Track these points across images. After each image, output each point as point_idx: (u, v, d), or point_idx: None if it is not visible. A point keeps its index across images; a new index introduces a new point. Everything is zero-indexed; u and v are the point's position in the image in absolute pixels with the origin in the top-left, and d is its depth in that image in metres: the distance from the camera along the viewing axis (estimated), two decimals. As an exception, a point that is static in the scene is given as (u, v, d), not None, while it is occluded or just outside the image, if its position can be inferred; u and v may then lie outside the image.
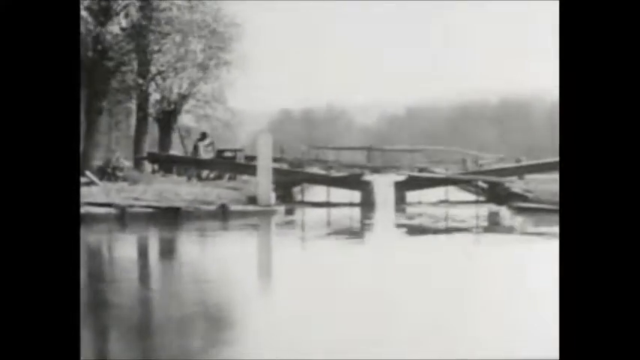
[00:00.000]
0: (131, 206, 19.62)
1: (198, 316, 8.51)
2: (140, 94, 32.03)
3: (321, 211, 22.93)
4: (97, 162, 27.31)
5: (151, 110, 33.05)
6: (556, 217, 16.27)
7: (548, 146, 34.75)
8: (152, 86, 32.45)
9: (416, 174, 28.83)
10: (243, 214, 20.38)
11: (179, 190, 21.82)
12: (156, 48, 30.42)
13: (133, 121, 34.47)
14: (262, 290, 10.68)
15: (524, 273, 11.85)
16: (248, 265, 12.99)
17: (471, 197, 28.38)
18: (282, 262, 13.55)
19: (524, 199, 23.38)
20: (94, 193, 20.49)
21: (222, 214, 20.08)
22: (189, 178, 27.61)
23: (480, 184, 28.18)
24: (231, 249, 15.12)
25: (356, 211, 22.95)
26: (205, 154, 29.71)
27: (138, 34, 29.54)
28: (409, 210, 23.44)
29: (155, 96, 33.01)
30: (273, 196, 22.17)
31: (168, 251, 15.55)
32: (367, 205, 24.17)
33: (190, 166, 28.80)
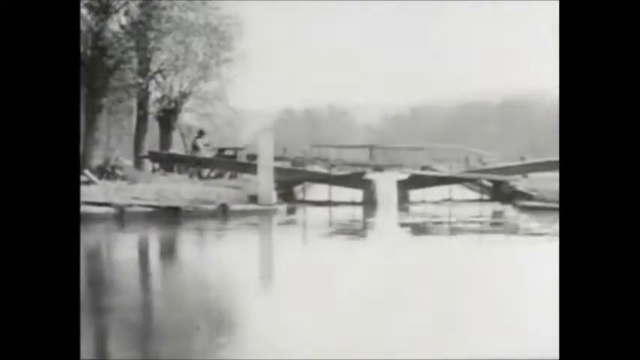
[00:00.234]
0: (130, 205, 19.33)
1: (199, 318, 8.37)
2: (140, 92, 31.80)
3: (323, 210, 22.73)
4: (97, 161, 27.07)
5: (152, 109, 32.84)
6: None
7: (551, 145, 34.54)
8: (152, 84, 32.24)
9: (419, 172, 28.62)
10: (243, 214, 20.12)
11: (179, 189, 21.54)
12: (156, 46, 30.16)
13: (134, 119, 34.25)
14: (263, 291, 10.51)
15: (528, 272, 11.71)
16: (249, 265, 12.79)
17: (475, 196, 28.12)
18: (284, 262, 13.34)
19: (529, 197, 23.11)
20: (92, 192, 20.19)
21: (223, 214, 19.82)
22: (190, 177, 27.40)
23: (485, 182, 27.90)
24: (231, 249, 14.92)
25: (358, 210, 22.71)
26: (204, 151, 29.50)
27: (138, 31, 29.30)
28: (412, 209, 23.22)
29: (156, 94, 32.80)
30: (274, 195, 21.91)
31: (167, 251, 15.34)
32: (369, 204, 23.93)
33: (191, 164, 28.58)
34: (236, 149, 31.30)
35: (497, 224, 19.93)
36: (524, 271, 11.91)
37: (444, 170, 29.90)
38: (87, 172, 23.49)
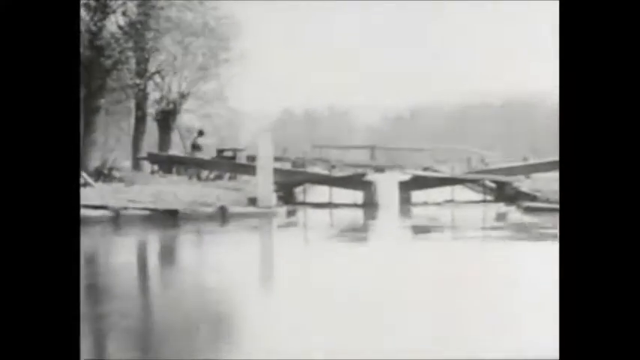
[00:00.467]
0: (126, 208, 18.97)
1: (198, 323, 8.22)
2: (138, 93, 31.48)
3: (324, 212, 22.45)
4: (94, 163, 26.76)
5: (150, 110, 32.54)
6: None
7: (553, 145, 34.25)
8: (151, 85, 31.93)
9: (421, 173, 28.30)
10: (243, 216, 19.75)
11: (177, 191, 21.20)
12: (154, 46, 29.83)
13: (132, 120, 33.95)
14: (264, 294, 10.34)
15: (531, 273, 11.61)
16: (249, 269, 12.55)
17: (478, 197, 27.76)
18: (284, 266, 13.09)
19: (534, 198, 22.75)
20: (88, 195, 19.81)
21: (222, 216, 19.46)
22: (189, 178, 27.11)
23: (488, 183, 27.54)
24: (231, 253, 14.63)
25: (359, 212, 22.40)
26: (205, 150, 29.26)
27: (136, 31, 28.99)
28: (414, 210, 22.93)
29: (154, 95, 32.49)
30: (274, 197, 21.55)
31: (164, 255, 15.06)
32: (371, 205, 23.61)
33: (191, 166, 28.30)
34: (235, 150, 31.03)
35: (501, 225, 19.64)
36: (527, 272, 11.81)
37: (445, 171, 29.53)
38: (83, 174, 23.16)
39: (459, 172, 29.15)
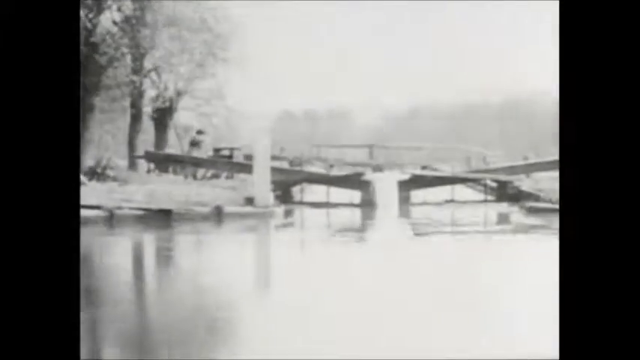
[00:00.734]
0: (120, 208, 18.59)
1: (193, 325, 8.14)
2: (134, 91, 31.07)
3: (322, 212, 22.22)
4: (89, 161, 26.38)
5: (146, 108, 32.15)
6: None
7: (553, 145, 33.99)
8: (147, 82, 31.52)
9: (420, 172, 28.00)
10: (239, 216, 19.38)
11: (172, 191, 20.83)
12: (150, 43, 29.42)
13: (128, 118, 33.55)
14: (260, 296, 10.27)
15: (532, 274, 11.56)
16: (245, 270, 12.42)
17: (479, 196, 27.41)
18: (281, 267, 12.91)
19: (537, 198, 22.39)
20: (81, 194, 19.42)
21: (217, 216, 19.08)
22: (185, 178, 26.79)
23: (489, 182, 27.18)
24: (227, 253, 14.44)
25: (358, 212, 22.10)
26: (204, 147, 28.97)
27: (131, 27, 28.61)
28: (413, 210, 22.69)
29: (150, 93, 32.09)
30: (271, 196, 21.17)
31: (158, 256, 14.75)
32: (369, 204, 23.30)
33: (188, 164, 27.99)
34: (232, 149, 30.71)
35: (502, 225, 19.38)
36: (529, 272, 11.77)
37: (445, 170, 29.21)
38: (77, 173, 22.80)
39: (459, 171, 28.83)
